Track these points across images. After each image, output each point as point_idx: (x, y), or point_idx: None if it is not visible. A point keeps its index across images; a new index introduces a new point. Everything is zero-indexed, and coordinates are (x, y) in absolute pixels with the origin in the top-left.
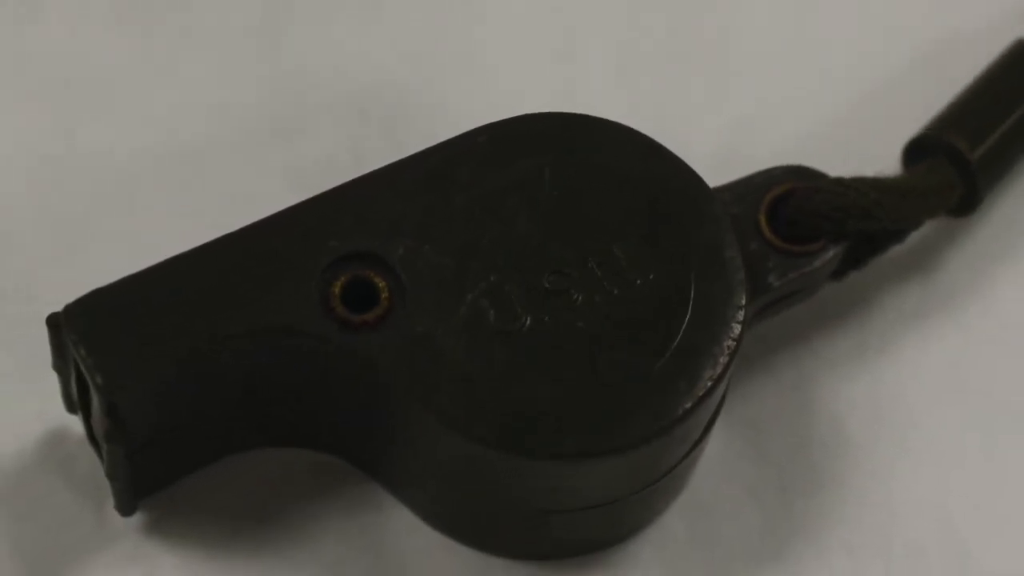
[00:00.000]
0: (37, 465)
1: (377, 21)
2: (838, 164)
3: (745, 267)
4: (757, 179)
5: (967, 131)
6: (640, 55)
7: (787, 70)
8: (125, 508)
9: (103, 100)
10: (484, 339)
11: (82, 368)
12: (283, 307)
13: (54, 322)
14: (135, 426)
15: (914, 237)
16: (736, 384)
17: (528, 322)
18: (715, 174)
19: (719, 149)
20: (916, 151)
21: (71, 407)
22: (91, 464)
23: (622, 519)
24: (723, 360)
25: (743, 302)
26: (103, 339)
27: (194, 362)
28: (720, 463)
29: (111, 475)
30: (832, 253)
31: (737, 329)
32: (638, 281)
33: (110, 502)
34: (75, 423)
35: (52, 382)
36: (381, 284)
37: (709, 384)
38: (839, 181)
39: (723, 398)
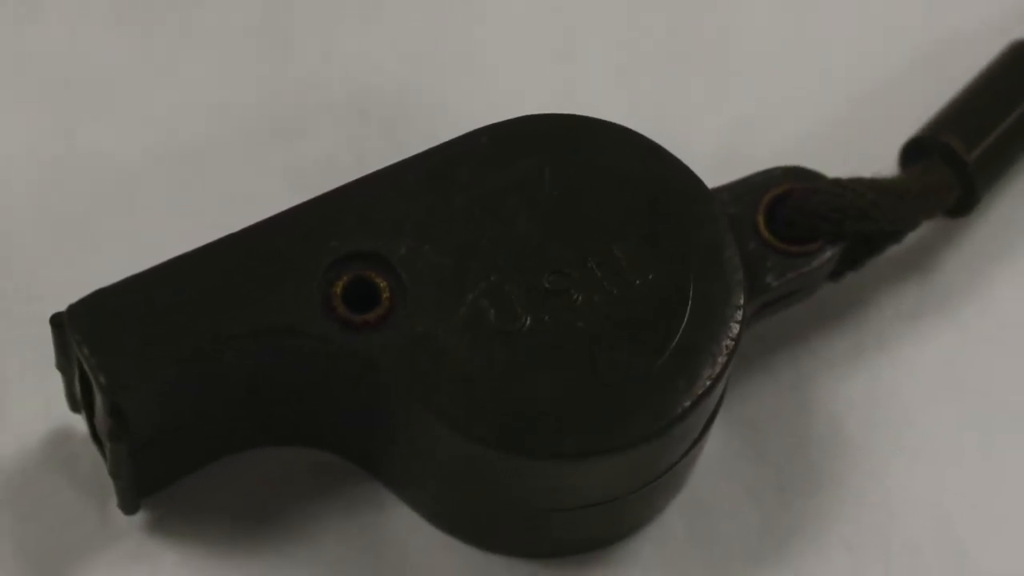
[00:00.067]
0: (41, 463)
1: (377, 22)
2: (838, 164)
3: (743, 267)
4: (755, 180)
5: (964, 132)
6: (640, 55)
7: (786, 70)
8: (128, 506)
9: (104, 100)
10: (484, 339)
11: (85, 367)
12: (285, 307)
13: (58, 322)
14: (138, 425)
15: (911, 237)
16: (735, 383)
17: (528, 322)
18: (714, 174)
19: (718, 149)
20: (913, 152)
21: (74, 406)
22: (94, 463)
23: (622, 518)
24: (722, 360)
25: (741, 302)
26: (106, 339)
27: (196, 362)
28: (719, 462)
29: (114, 474)
30: (830, 253)
31: (736, 329)
32: (637, 281)
33: (113, 500)
34: (79, 422)
35: (56, 381)
36: (382, 284)
37: (708, 383)
38: (837, 182)
39: (722, 397)
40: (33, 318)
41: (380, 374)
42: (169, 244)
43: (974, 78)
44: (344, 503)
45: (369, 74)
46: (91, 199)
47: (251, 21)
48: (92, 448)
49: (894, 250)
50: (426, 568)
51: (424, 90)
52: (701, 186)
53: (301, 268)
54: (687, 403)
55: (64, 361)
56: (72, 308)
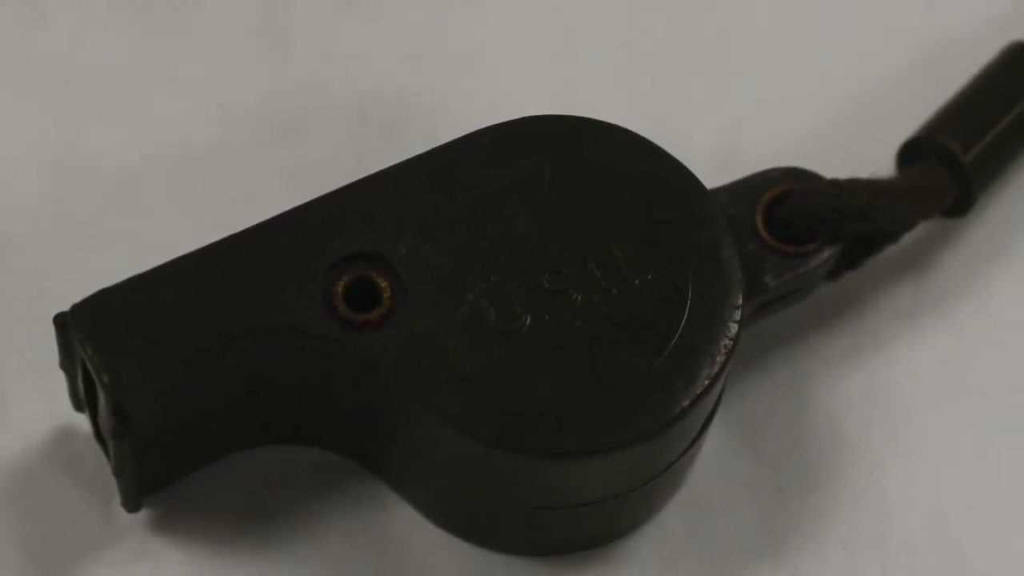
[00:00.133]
0: (45, 462)
1: (378, 22)
2: (836, 165)
3: (742, 267)
4: (754, 180)
5: (961, 134)
6: (640, 55)
7: (785, 71)
8: (131, 505)
9: (106, 101)
10: (484, 339)
11: (89, 367)
12: (287, 307)
13: (61, 321)
14: (141, 424)
15: (908, 238)
16: (733, 383)
17: (528, 322)
18: (713, 174)
19: (718, 149)
20: (910, 153)
21: (78, 405)
22: (98, 461)
23: (621, 516)
24: (720, 359)
25: (740, 302)
26: (109, 338)
27: (199, 362)
28: (717, 461)
29: (117, 472)
30: (827, 254)
31: (734, 329)
32: (636, 281)
33: (116, 499)
34: (82, 421)
35: (59, 381)
36: (383, 284)
37: (707, 383)
38: (834, 183)
39: (720, 397)
40: (36, 318)
41: (381, 374)
42: (171, 244)
43: (971, 79)
44: (346, 501)
45: (369, 75)
46: (94, 199)
47: (252, 22)
48: (95, 447)
49: (891, 250)
50: (428, 566)
51: (424, 90)
52: (700, 187)
53: (303, 268)
54: (686, 402)
55: (67, 361)
56: (75, 308)
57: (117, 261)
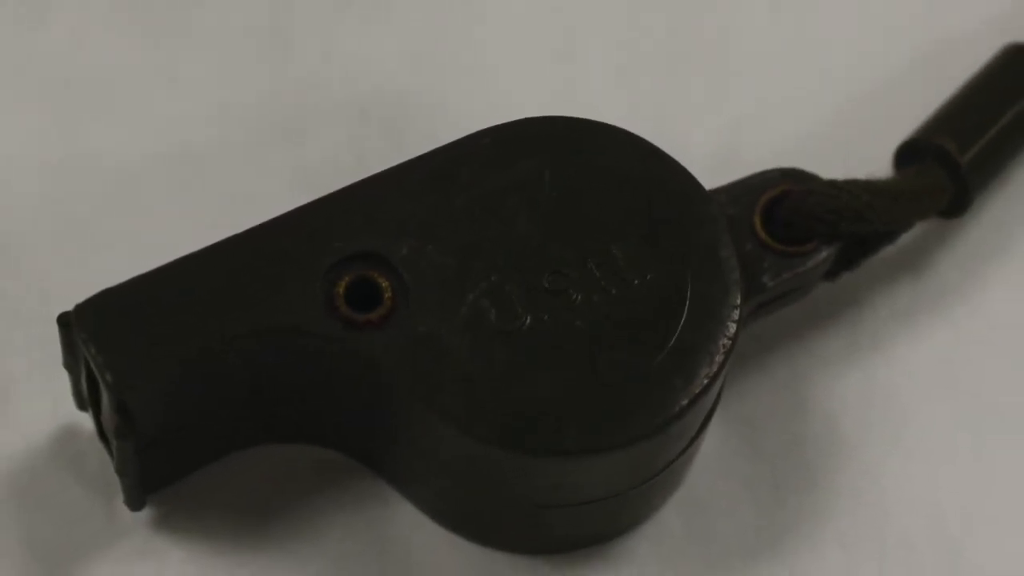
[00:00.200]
0: (48, 461)
1: (378, 23)
2: (837, 164)
3: (740, 267)
4: (752, 181)
5: (957, 134)
6: (640, 55)
7: (783, 72)
8: (134, 503)
9: (108, 102)
10: (485, 338)
11: (92, 366)
12: (289, 307)
13: (65, 321)
14: (144, 423)
15: (905, 238)
16: (732, 382)
17: (528, 321)
18: (713, 175)
19: (717, 150)
20: (907, 154)
21: (81, 404)
22: (101, 460)
23: (621, 514)
24: (719, 358)
25: (738, 302)
26: (113, 338)
27: (201, 361)
28: (716, 459)
29: (120, 471)
30: (825, 254)
31: (733, 328)
32: (636, 281)
33: (120, 497)
34: (86, 420)
35: (63, 380)
36: (384, 284)
37: (705, 382)
38: (832, 184)
39: (719, 395)
40: (40, 318)
41: (382, 373)
42: (173, 244)
43: (968, 81)
44: (348, 499)
45: (370, 75)
46: (95, 200)
47: (252, 22)
48: (99, 446)
49: (888, 250)
50: (429, 564)
51: (424, 90)
52: (699, 187)
53: (304, 268)
54: (685, 401)
55: (71, 360)
56: (79, 308)
57: (119, 261)
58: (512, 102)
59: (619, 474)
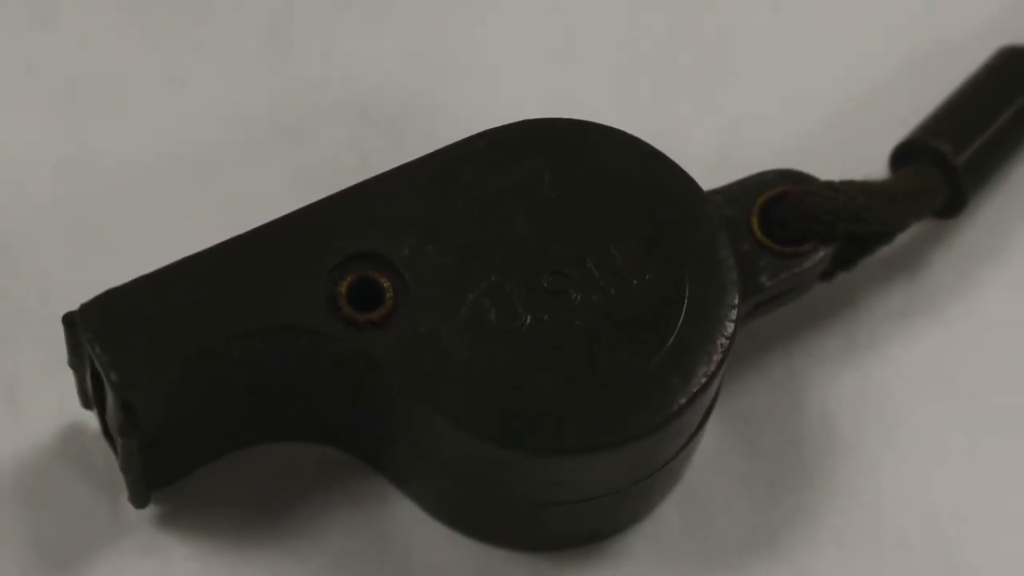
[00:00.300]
0: (54, 459)
1: (378, 24)
2: (837, 164)
3: (738, 268)
4: (749, 182)
5: (953, 136)
6: (640, 55)
7: (780, 74)
8: (139, 500)
9: (114, 104)
10: (486, 338)
11: (97, 365)
12: (291, 307)
13: (70, 321)
14: (148, 421)
15: (901, 239)
16: (729, 380)
17: (528, 321)
18: (712, 175)
19: (716, 150)
20: (903, 155)
21: (86, 403)
22: (106, 458)
23: (620, 512)
24: (717, 358)
25: (736, 302)
26: (117, 337)
27: (205, 361)
28: (714, 457)
29: (125, 468)
30: (822, 254)
31: (730, 328)
32: (635, 281)
33: (124, 494)
34: (90, 418)
35: (68, 379)
36: (386, 284)
37: (703, 381)
38: (829, 185)
39: (717, 394)
40: (46, 317)
41: (383, 372)
42: (177, 244)
43: (963, 83)
44: (349, 498)
45: (370, 76)
46: (102, 201)
47: (256, 25)
48: (103, 444)
49: (885, 251)
50: (429, 560)
51: (425, 91)
52: (697, 188)
53: (307, 268)
54: (683, 400)
55: (76, 359)
56: (84, 307)
57: (123, 261)
58: (512, 102)
59: (618, 472)
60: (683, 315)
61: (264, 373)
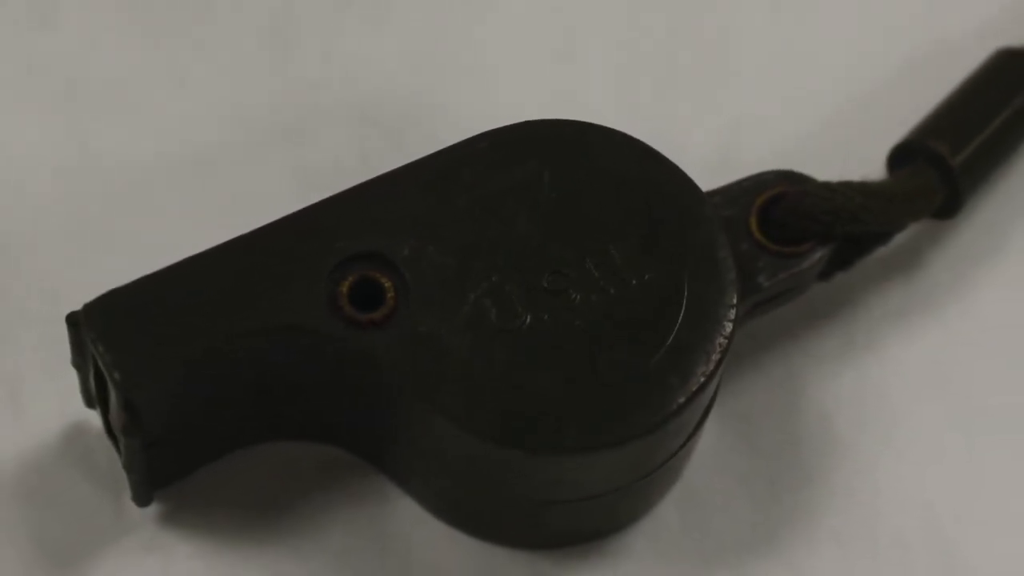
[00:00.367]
0: (57, 458)
1: (378, 25)
2: (836, 165)
3: (736, 268)
4: (748, 183)
5: (950, 137)
6: (640, 55)
7: (783, 73)
8: (141, 499)
9: (116, 105)
10: (486, 338)
11: (100, 365)
12: (293, 307)
13: (73, 320)
14: (151, 421)
15: (899, 239)
16: (728, 380)
17: (528, 321)
18: (712, 175)
19: (716, 150)
20: (901, 156)
21: (90, 402)
22: (109, 457)
23: (619, 510)
24: (715, 357)
25: (734, 301)
26: (120, 337)
27: (208, 360)
28: (712, 456)
29: (128, 467)
30: (820, 254)
31: (729, 327)
32: (634, 281)
33: (127, 493)
34: (94, 418)
35: (71, 378)
36: (387, 284)
37: (702, 380)
38: (827, 185)
39: (715, 393)
40: (49, 317)
41: (384, 372)
42: (181, 245)
43: (960, 84)
44: (351, 496)
45: (370, 76)
46: (105, 201)
47: (257, 26)
48: (107, 443)
49: (882, 251)
50: (430, 559)
51: (425, 91)
52: (695, 189)
53: (309, 268)
54: (682, 399)
55: (79, 359)
56: (87, 307)
57: (126, 261)
58: (512, 102)
59: (617, 471)
60: (682, 315)
61: (266, 373)
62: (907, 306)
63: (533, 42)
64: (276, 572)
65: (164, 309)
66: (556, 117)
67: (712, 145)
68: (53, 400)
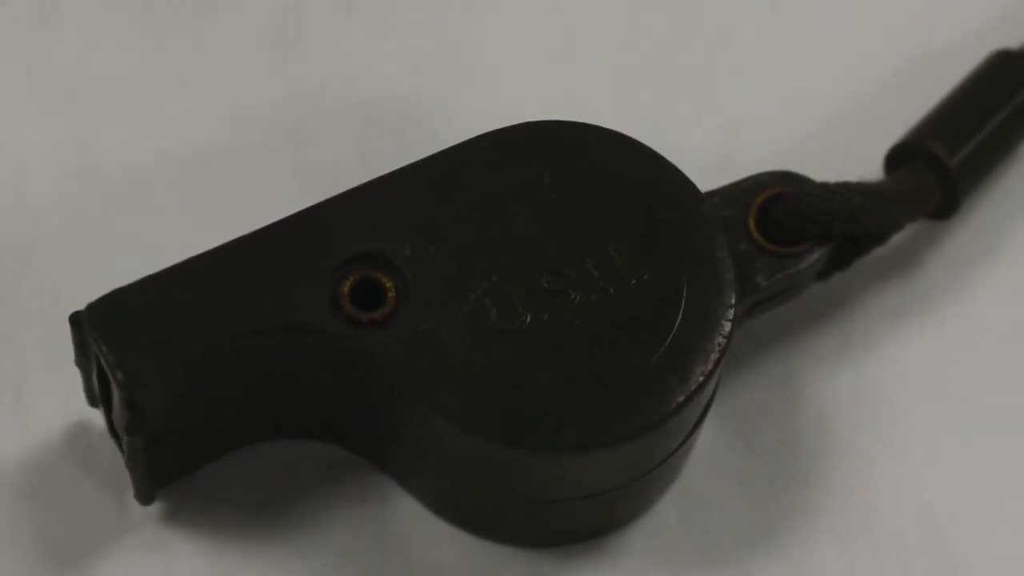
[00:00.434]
0: (60, 456)
1: (380, 27)
2: (835, 165)
3: (735, 268)
4: (746, 183)
5: (947, 138)
6: (640, 55)
7: (782, 73)
8: (144, 498)
9: (119, 106)
10: (486, 337)
11: (103, 364)
12: (295, 306)
13: (76, 320)
14: (153, 420)
15: (896, 239)
16: (726, 379)
17: (528, 320)
18: (711, 175)
19: (715, 150)
20: (898, 157)
21: (93, 401)
22: (112, 456)
23: (618, 509)
24: (714, 357)
25: (733, 301)
26: (123, 337)
27: (210, 360)
28: (711, 454)
29: (131, 466)
30: (817, 255)
31: (727, 327)
32: (633, 281)
33: (130, 492)
34: (97, 416)
35: (75, 378)
36: (388, 284)
37: (701, 379)
38: (825, 186)
39: (714, 392)
40: (52, 317)
41: (385, 371)
42: (182, 245)
43: (957, 86)
44: (352, 495)
45: (372, 78)
46: (107, 202)
47: (259, 27)
48: (109, 441)
49: (879, 251)
50: (431, 557)
51: (426, 92)
52: (694, 190)
53: (310, 268)
54: (681, 398)
55: (82, 358)
56: (90, 307)
57: (130, 261)
58: (512, 102)
59: (617, 470)
60: (681, 315)
61: (268, 373)
62: (904, 306)
63: (533, 42)
64: (278, 570)
65: (166, 309)
66: (556, 118)
67: (711, 145)
68: (56, 399)
